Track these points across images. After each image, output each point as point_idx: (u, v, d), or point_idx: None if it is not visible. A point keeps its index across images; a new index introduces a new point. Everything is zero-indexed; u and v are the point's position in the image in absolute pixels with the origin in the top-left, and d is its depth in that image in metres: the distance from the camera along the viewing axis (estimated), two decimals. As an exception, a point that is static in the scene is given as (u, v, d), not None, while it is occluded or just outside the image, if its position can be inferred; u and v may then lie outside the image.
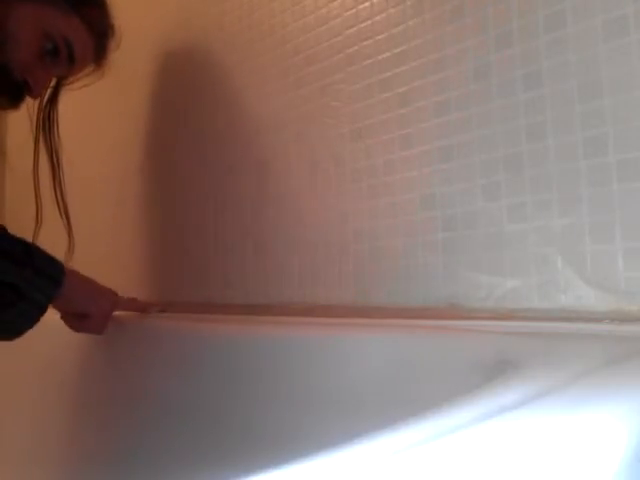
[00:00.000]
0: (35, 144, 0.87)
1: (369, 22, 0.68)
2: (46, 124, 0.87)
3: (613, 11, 0.48)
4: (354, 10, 0.69)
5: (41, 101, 0.86)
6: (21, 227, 0.83)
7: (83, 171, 1.21)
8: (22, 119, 0.88)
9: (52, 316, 0.90)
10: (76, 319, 0.83)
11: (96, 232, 1.16)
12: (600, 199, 0.49)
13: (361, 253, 0.67)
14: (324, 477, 0.19)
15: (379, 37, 0.66)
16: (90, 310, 0.83)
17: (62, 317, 0.84)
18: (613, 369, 0.32)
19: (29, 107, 0.84)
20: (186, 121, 0.96)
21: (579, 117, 0.50)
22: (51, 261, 0.73)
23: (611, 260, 0.48)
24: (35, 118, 0.87)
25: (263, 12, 0.82)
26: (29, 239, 0.76)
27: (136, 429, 0.77)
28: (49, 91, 0.85)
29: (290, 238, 0.77)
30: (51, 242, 0.78)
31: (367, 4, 0.68)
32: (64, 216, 0.88)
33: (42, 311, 0.71)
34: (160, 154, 1.03)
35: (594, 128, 0.49)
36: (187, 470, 0.65)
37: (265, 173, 0.81)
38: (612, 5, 0.48)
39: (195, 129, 0.94)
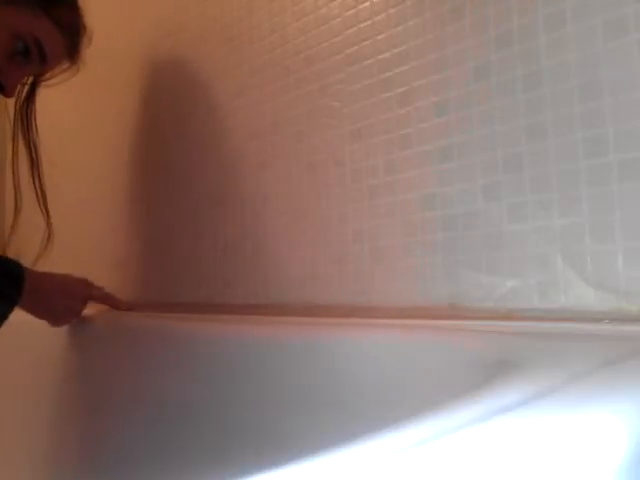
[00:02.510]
0: (13, 139, 0.90)
1: (369, 22, 0.68)
2: (24, 120, 0.88)
3: (613, 11, 0.48)
4: (354, 10, 0.69)
5: (19, 98, 0.87)
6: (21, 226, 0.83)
7: (78, 173, 1.22)
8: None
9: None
10: None
11: (94, 234, 1.16)
12: (600, 199, 0.49)
13: (361, 253, 0.67)
14: (324, 477, 0.19)
15: (379, 37, 0.66)
16: (51, 321, 0.89)
17: None
18: (613, 369, 0.32)
19: (8, 104, 0.86)
20: (185, 121, 0.96)
21: (579, 117, 0.50)
22: (9, 275, 0.76)
23: (611, 260, 0.48)
24: (13, 115, 0.89)
25: (263, 12, 0.82)
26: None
27: (133, 429, 0.77)
28: (26, 88, 0.87)
29: (290, 238, 0.77)
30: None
31: (367, 4, 0.68)
32: (43, 207, 0.91)
33: None
34: (159, 153, 1.03)
35: (594, 128, 0.49)
36: (184, 470, 0.65)
37: (265, 173, 0.81)
38: (612, 5, 0.48)
39: (194, 129, 0.94)
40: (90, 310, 0.91)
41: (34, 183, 0.90)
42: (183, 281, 0.95)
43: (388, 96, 0.65)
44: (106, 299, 0.93)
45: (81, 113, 1.24)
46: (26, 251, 0.84)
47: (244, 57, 0.85)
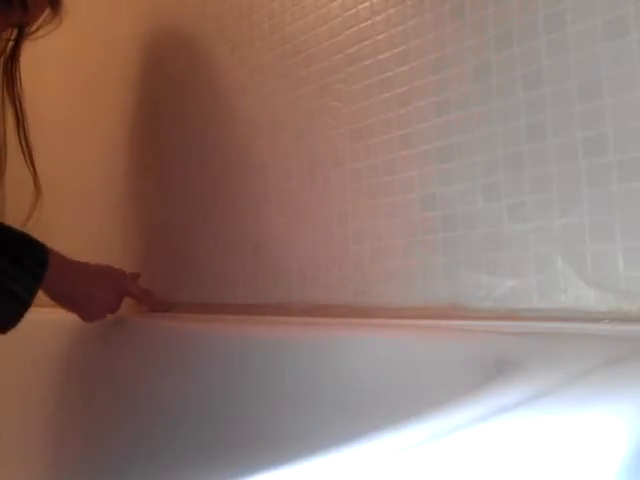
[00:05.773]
0: None
1: (369, 22, 0.68)
2: (9, 77, 0.87)
3: (613, 11, 0.48)
4: (354, 10, 0.69)
5: (3, 55, 0.86)
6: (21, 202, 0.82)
7: (75, 172, 1.22)
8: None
9: (47, 315, 0.90)
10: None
11: (94, 232, 1.16)
12: (600, 199, 0.49)
13: (361, 253, 0.67)
14: (323, 477, 0.19)
15: (379, 37, 0.66)
16: (80, 313, 0.83)
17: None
18: (613, 369, 0.32)
19: None
20: (185, 121, 0.96)
21: (579, 117, 0.50)
22: (32, 250, 0.72)
23: (611, 260, 0.48)
24: None
25: (263, 12, 0.82)
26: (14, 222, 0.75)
27: (133, 429, 0.77)
28: (10, 44, 0.86)
29: (290, 238, 0.77)
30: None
31: (367, 4, 0.68)
32: (29, 162, 0.88)
33: (24, 305, 0.69)
34: (160, 153, 1.03)
35: (594, 128, 0.49)
36: (185, 470, 0.65)
37: (265, 173, 0.81)
38: (612, 5, 0.48)
39: (194, 129, 0.94)
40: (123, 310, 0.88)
41: (20, 139, 0.88)
42: (183, 281, 0.95)
43: (388, 96, 0.65)
44: (144, 297, 0.88)
45: (77, 110, 1.24)
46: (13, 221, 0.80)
47: (244, 57, 0.85)
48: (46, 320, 0.92)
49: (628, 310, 0.47)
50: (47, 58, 1.29)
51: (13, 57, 0.86)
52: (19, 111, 0.88)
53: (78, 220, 1.21)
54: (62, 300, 0.81)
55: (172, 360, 0.76)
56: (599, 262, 0.49)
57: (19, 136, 0.88)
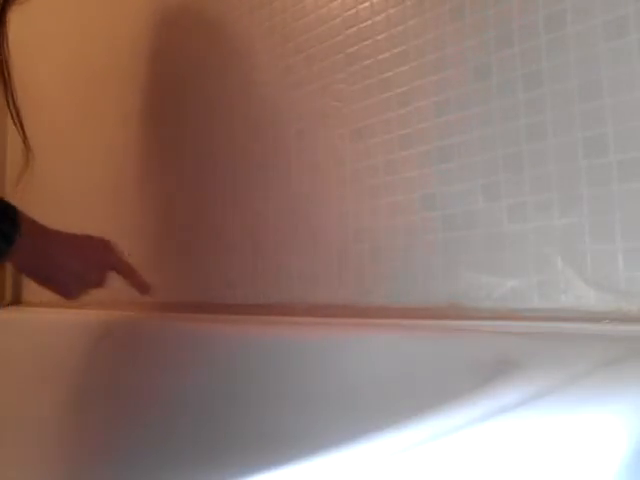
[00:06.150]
0: None
1: (369, 22, 0.68)
2: None
3: (613, 11, 0.48)
4: (354, 10, 0.69)
5: None
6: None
7: (78, 173, 1.22)
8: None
9: (48, 315, 0.90)
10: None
11: (95, 232, 1.16)
12: (600, 199, 0.49)
13: (361, 253, 0.67)
14: (324, 477, 0.19)
15: (379, 37, 0.66)
16: (58, 290, 0.72)
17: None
18: (613, 369, 0.32)
19: None
20: (186, 121, 0.96)
21: (579, 117, 0.50)
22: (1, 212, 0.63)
23: (611, 260, 0.48)
24: None
25: (263, 12, 0.82)
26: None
27: (134, 428, 0.77)
28: None
29: (290, 238, 0.77)
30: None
31: (367, 4, 0.68)
32: (18, 126, 0.86)
33: None
34: (159, 154, 1.03)
35: (594, 128, 0.49)
36: (185, 470, 0.65)
37: (265, 173, 0.81)
38: (612, 5, 0.48)
39: (195, 129, 0.94)
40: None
41: (8, 104, 0.85)
42: (183, 281, 0.95)
43: (388, 96, 0.65)
44: (128, 274, 0.76)
45: (79, 109, 1.24)
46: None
47: (244, 56, 0.85)
48: (47, 320, 0.92)
49: (628, 310, 0.47)
50: (48, 56, 1.29)
51: (0, 22, 0.84)
52: (6, 74, 0.84)
53: (78, 219, 1.21)
54: (36, 275, 0.71)
55: (172, 360, 0.76)
56: (599, 262, 0.49)
57: (7, 101, 0.84)
